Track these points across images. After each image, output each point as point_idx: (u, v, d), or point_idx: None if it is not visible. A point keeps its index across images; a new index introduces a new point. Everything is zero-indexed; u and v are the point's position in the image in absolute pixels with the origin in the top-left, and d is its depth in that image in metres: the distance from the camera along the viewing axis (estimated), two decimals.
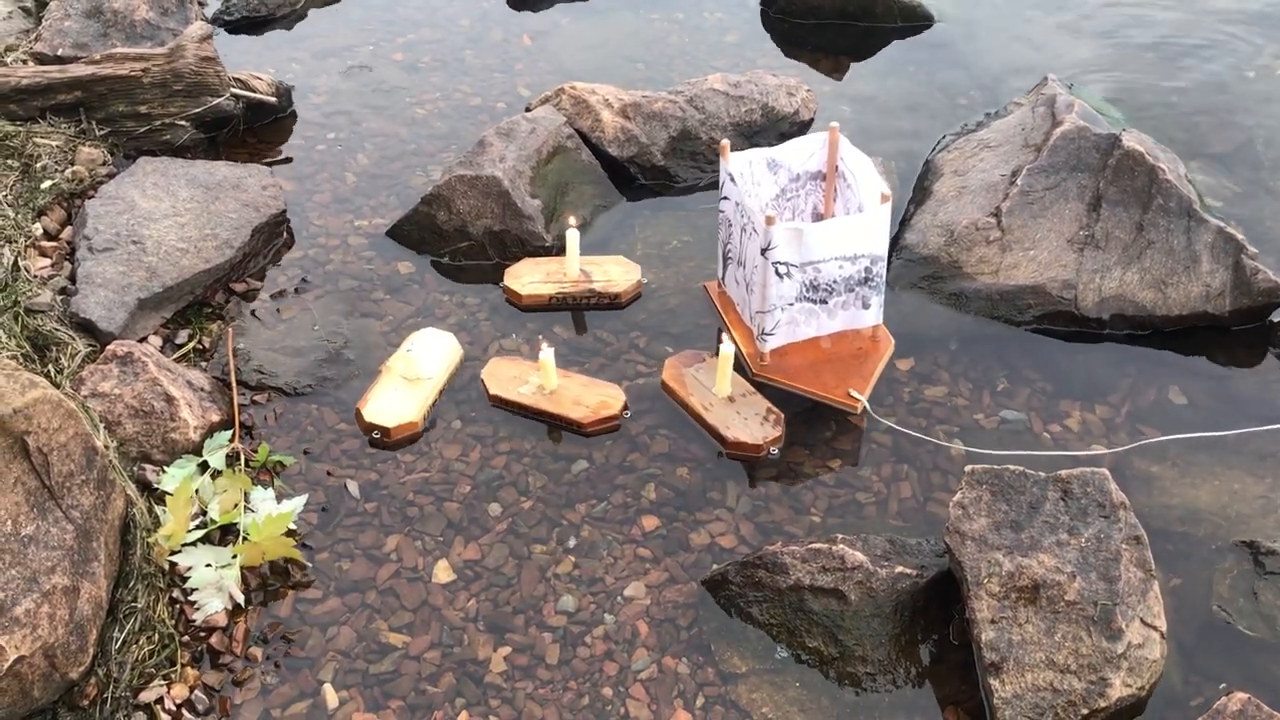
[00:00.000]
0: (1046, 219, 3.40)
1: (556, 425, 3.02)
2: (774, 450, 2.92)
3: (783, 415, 2.96)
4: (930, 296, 3.38)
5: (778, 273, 2.92)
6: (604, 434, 2.99)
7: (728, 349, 2.95)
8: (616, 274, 3.43)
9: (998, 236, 3.39)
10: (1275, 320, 3.29)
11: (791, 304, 3.00)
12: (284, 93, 4.18)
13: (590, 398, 3.05)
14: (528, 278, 3.40)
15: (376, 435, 2.96)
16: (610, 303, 3.36)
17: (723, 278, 3.33)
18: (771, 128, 3.99)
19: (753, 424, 2.95)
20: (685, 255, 3.59)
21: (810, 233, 2.90)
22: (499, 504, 2.83)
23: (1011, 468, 2.57)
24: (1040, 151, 3.51)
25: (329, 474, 2.90)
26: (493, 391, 3.09)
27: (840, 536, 2.62)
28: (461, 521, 2.79)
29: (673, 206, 3.81)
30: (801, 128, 4.05)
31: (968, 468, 2.59)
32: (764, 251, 2.90)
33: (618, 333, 3.31)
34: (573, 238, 3.34)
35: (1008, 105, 4.02)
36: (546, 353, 3.02)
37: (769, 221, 2.84)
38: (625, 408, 3.03)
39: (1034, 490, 2.54)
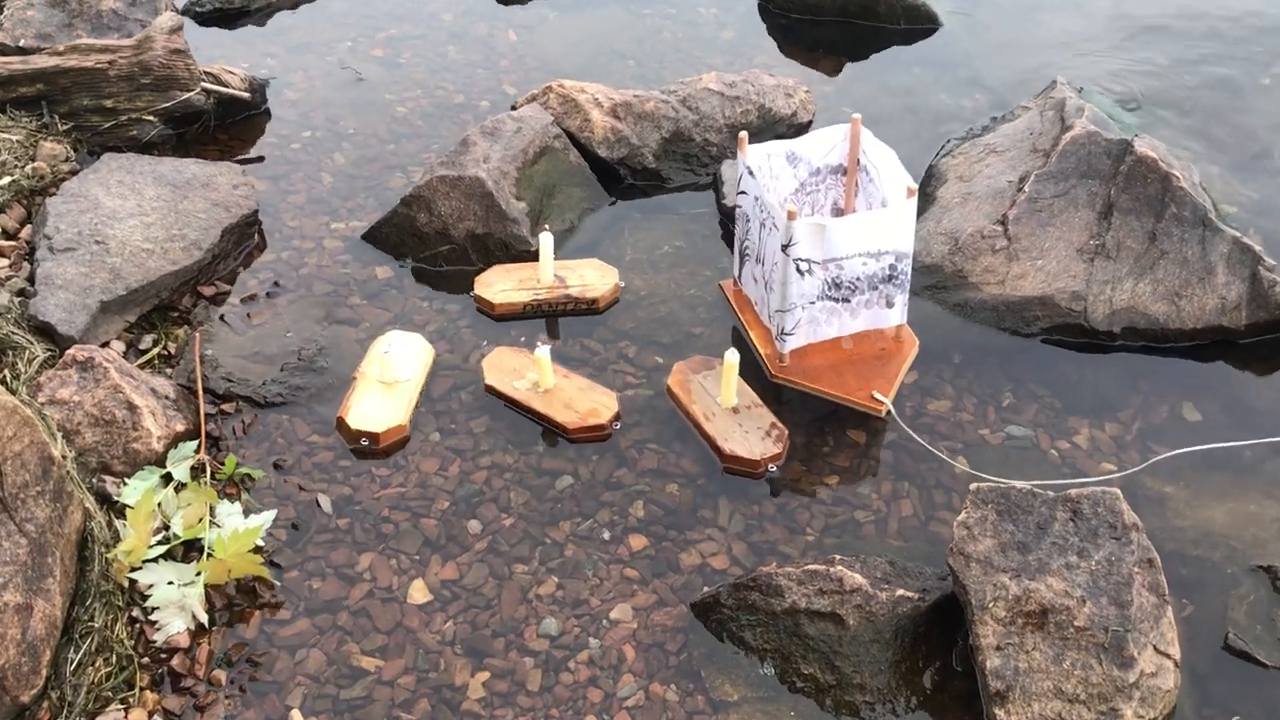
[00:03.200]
0: (1055, 227, 3.40)
1: (542, 426, 3.02)
2: (773, 468, 2.90)
3: (787, 432, 2.95)
4: (934, 307, 3.37)
5: (799, 270, 2.92)
6: (589, 444, 2.98)
7: (732, 357, 2.95)
8: (593, 278, 3.43)
9: (1004, 245, 3.39)
10: None
11: (813, 302, 3.00)
12: (258, 88, 4.16)
13: (582, 403, 3.04)
14: (499, 285, 3.40)
15: (365, 442, 2.95)
16: (588, 308, 3.35)
17: (739, 275, 3.33)
18: (768, 130, 3.99)
19: (753, 438, 2.94)
20: (677, 261, 3.58)
21: (833, 228, 2.90)
22: (479, 521, 2.82)
23: (1018, 486, 2.56)
24: (1049, 157, 3.51)
25: (300, 488, 2.88)
26: (488, 381, 3.09)
27: (838, 557, 2.61)
28: (439, 539, 2.77)
29: (664, 210, 3.80)
30: (799, 130, 4.04)
31: (972, 486, 2.58)
32: (785, 248, 2.90)
33: (605, 342, 3.30)
34: (545, 242, 3.34)
35: (1015, 109, 4.02)
36: (543, 350, 3.02)
37: (791, 216, 2.84)
38: (616, 418, 3.03)
39: (1042, 510, 2.53)
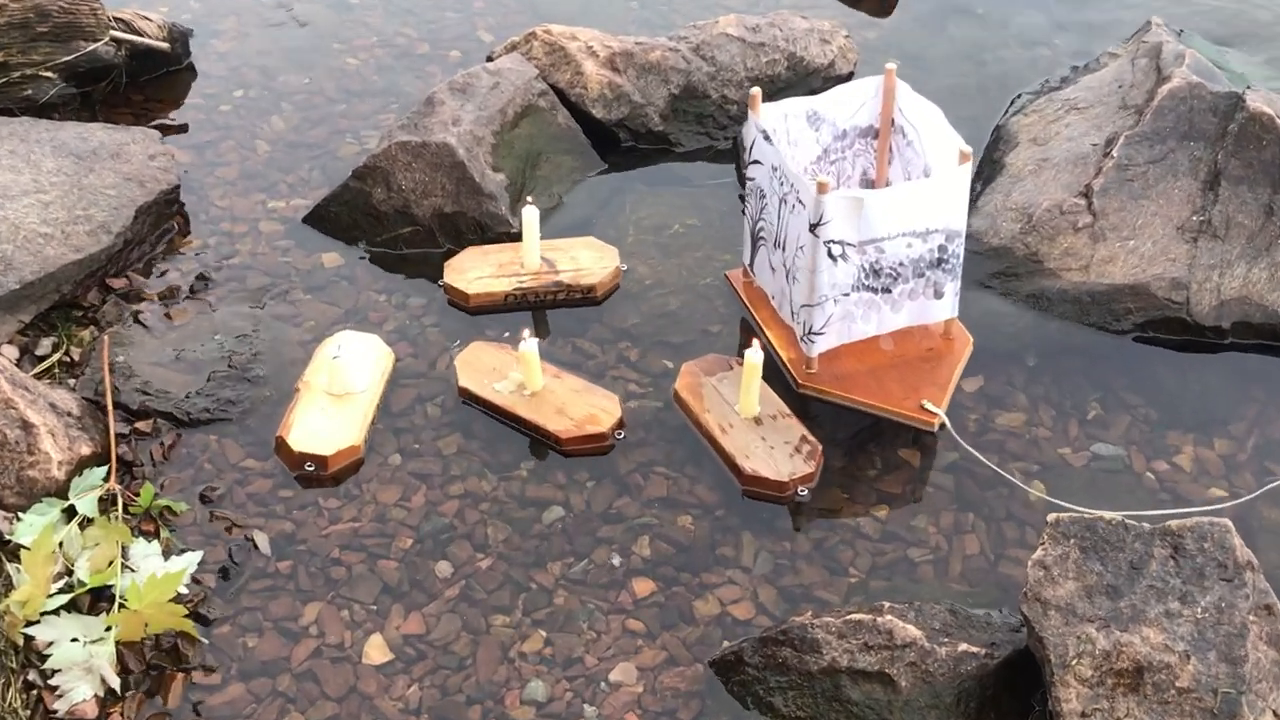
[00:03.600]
0: (1150, 200, 3.39)
1: (528, 438, 3.02)
2: (803, 491, 2.90)
3: (820, 448, 2.95)
4: (1003, 298, 3.37)
5: (830, 255, 2.92)
6: (584, 465, 2.98)
7: (755, 356, 2.94)
8: (589, 261, 3.42)
9: (1088, 222, 3.38)
10: None
11: (846, 294, 2.99)
12: (179, 38, 4.16)
13: (578, 408, 3.04)
14: (475, 272, 3.40)
15: (311, 468, 2.95)
16: (583, 298, 3.35)
17: (751, 264, 3.32)
18: (800, 83, 3.99)
19: (780, 455, 2.93)
20: (690, 243, 3.57)
21: (873, 203, 2.89)
22: (449, 563, 2.81)
23: (1107, 517, 2.55)
24: (1142, 115, 3.50)
25: (231, 524, 2.87)
26: (463, 384, 3.10)
27: (888, 605, 2.60)
28: (401, 585, 2.77)
29: (674, 182, 3.79)
30: (838, 84, 4.02)
31: (1051, 517, 2.57)
32: (814, 228, 2.89)
33: (603, 342, 3.30)
34: (530, 218, 3.34)
35: (1100, 57, 4.02)
36: (528, 344, 3.02)
37: (822, 189, 2.84)
38: (619, 426, 3.03)
39: (1136, 546, 2.52)
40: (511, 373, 3.11)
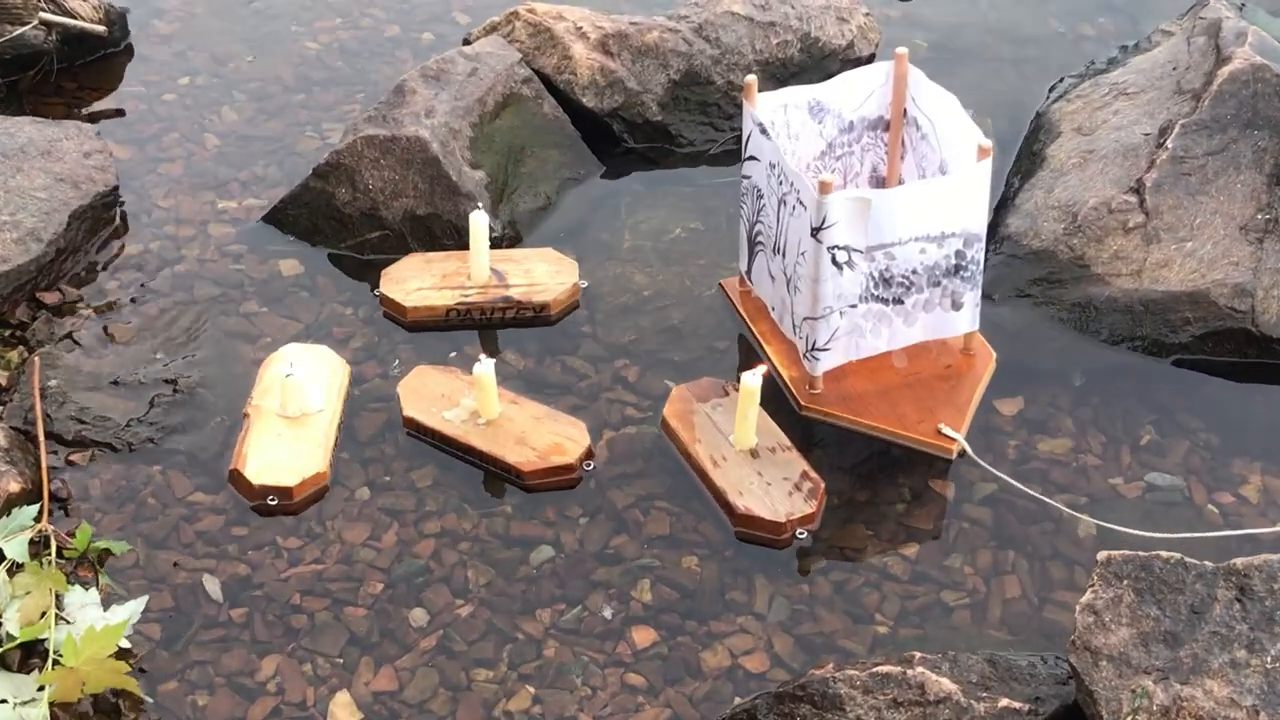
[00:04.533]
0: (1210, 196, 3.40)
1: (489, 472, 3.03)
2: (802, 533, 2.91)
3: (822, 485, 2.95)
4: (1044, 309, 3.38)
5: (835, 262, 2.92)
6: (569, 500, 2.99)
7: (752, 381, 2.95)
8: (544, 275, 3.43)
9: (1140, 222, 3.39)
10: None
11: (854, 306, 3.00)
12: (116, 19, 4.17)
13: (540, 436, 3.05)
14: (415, 283, 3.41)
15: (273, 501, 2.96)
16: (535, 316, 3.37)
17: (748, 271, 3.33)
18: (815, 67, 4.00)
19: (776, 492, 2.94)
20: (693, 249, 3.58)
21: (882, 204, 2.90)
22: (424, 610, 2.81)
23: (1164, 555, 2.56)
24: (1200, 101, 3.52)
25: (178, 567, 2.87)
26: (408, 413, 3.10)
27: (919, 655, 2.60)
28: (370, 635, 2.77)
29: (675, 180, 3.80)
30: (857, 67, 4.04)
31: (1101, 555, 2.57)
32: (816, 232, 2.90)
33: (596, 360, 3.30)
34: (478, 224, 3.33)
35: (1152, 35, 4.02)
36: (484, 366, 3.02)
37: (824, 189, 2.85)
38: (588, 457, 3.04)
39: (1197, 587, 2.52)
40: (463, 399, 3.11)
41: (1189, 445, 3.12)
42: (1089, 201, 3.45)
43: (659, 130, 3.89)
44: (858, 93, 3.24)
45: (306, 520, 2.96)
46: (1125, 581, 2.54)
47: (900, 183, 3.30)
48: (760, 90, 3.16)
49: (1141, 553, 2.57)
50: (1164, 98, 3.63)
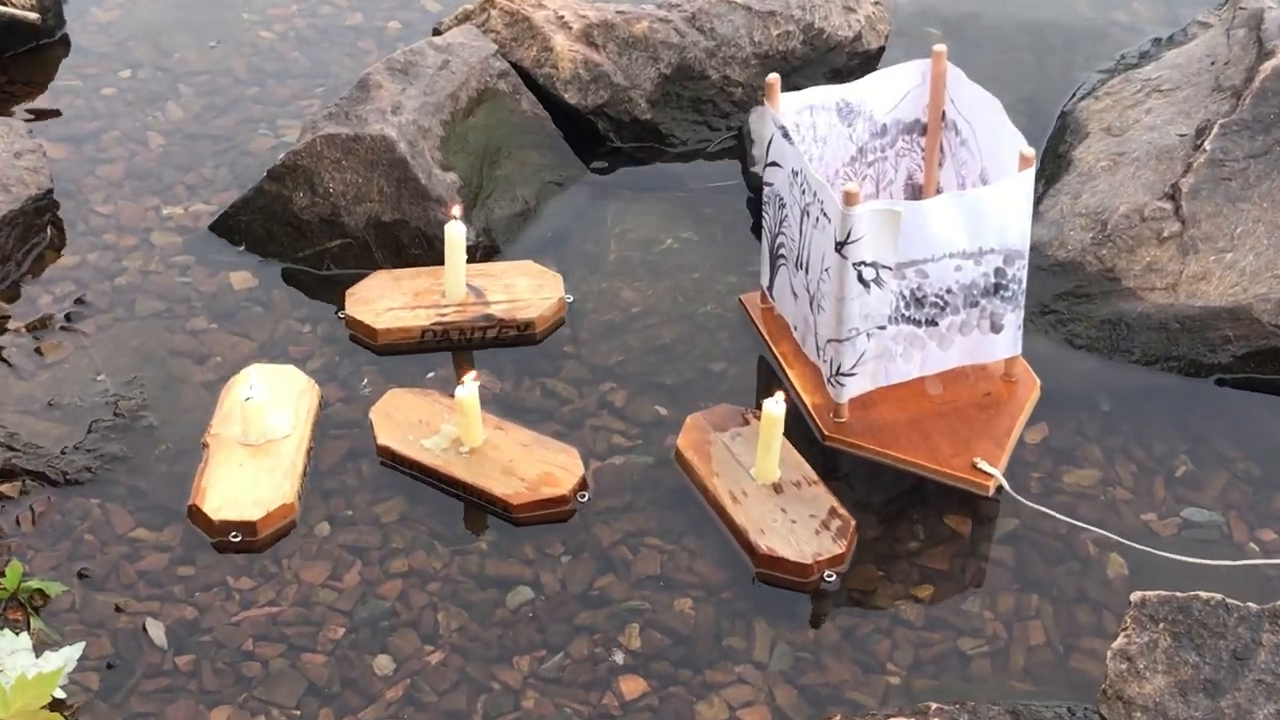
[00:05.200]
0: (1252, 204, 3.41)
1: (468, 504, 3.02)
2: (831, 576, 2.90)
3: (853, 523, 2.95)
4: (1071, 326, 3.38)
5: (862, 279, 2.92)
6: (553, 535, 2.97)
7: (776, 409, 2.94)
8: (526, 290, 3.43)
9: (1176, 231, 3.40)
10: None
11: (883, 327, 3.00)
12: (50, 6, 4.15)
13: (529, 465, 3.05)
14: (385, 302, 3.40)
15: (237, 537, 2.94)
16: (519, 335, 3.36)
17: (770, 287, 3.33)
18: (819, 61, 4.00)
19: (803, 531, 2.93)
20: (685, 261, 3.58)
21: (913, 216, 2.89)
22: (390, 657, 2.80)
23: (1204, 596, 2.56)
24: (1240, 99, 3.52)
25: (118, 609, 2.86)
26: (382, 442, 3.09)
27: (934, 706, 2.60)
28: (330, 685, 2.75)
29: (666, 185, 3.80)
30: (865, 62, 4.05)
31: (1134, 596, 2.57)
32: (840, 247, 2.90)
33: (579, 384, 3.30)
34: (455, 235, 3.32)
35: (1188, 27, 4.03)
36: (467, 390, 3.02)
37: (849, 200, 2.85)
38: (582, 487, 3.04)
39: (1240, 631, 2.52)
40: (444, 425, 3.10)
41: (1229, 477, 3.12)
42: (1119, 209, 3.45)
43: (648, 129, 3.89)
44: (891, 93, 3.24)
45: (260, 559, 2.94)
46: (1161, 625, 2.54)
47: (938, 192, 3.30)
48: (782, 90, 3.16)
49: (1179, 594, 2.57)
50: (1201, 95, 3.63)
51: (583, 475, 3.05)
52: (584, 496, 3.04)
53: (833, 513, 2.97)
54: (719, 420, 3.15)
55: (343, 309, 3.41)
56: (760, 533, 2.93)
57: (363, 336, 3.38)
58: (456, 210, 3.36)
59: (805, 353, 3.22)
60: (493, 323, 3.36)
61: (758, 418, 3.03)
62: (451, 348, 3.37)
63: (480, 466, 3.04)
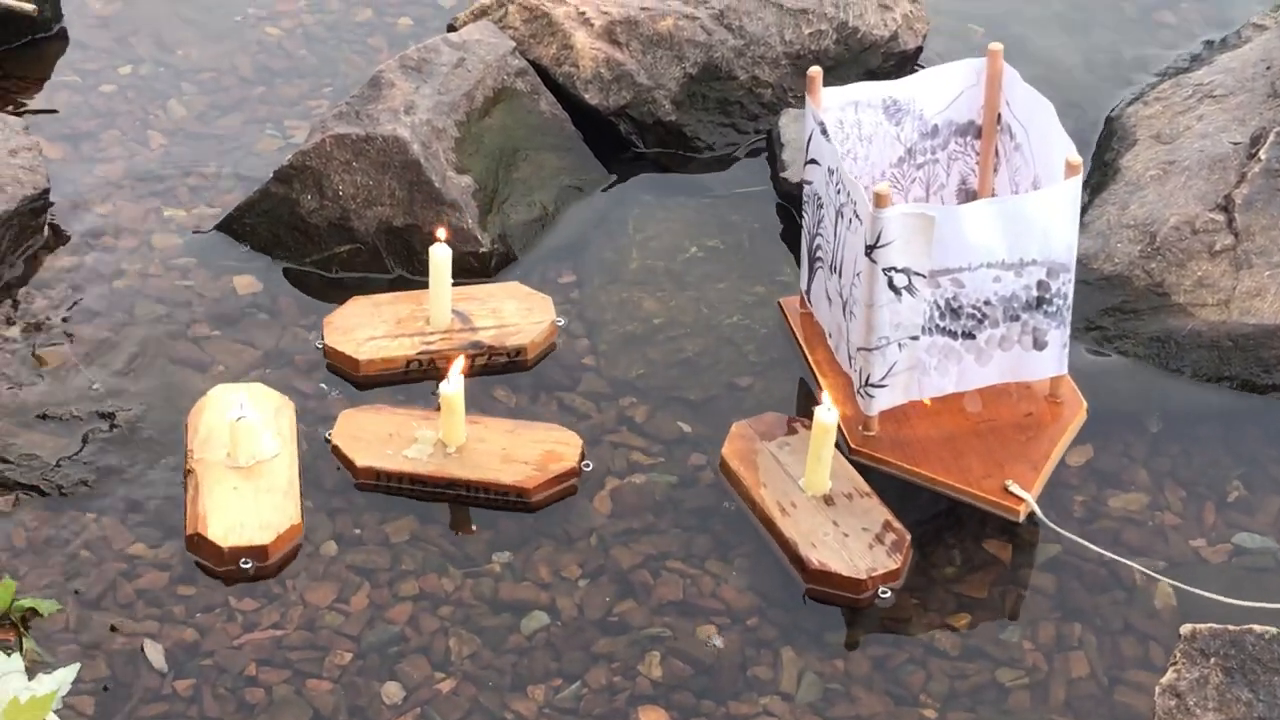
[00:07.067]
0: None
1: (481, 508, 3.04)
2: (885, 592, 2.90)
3: (909, 537, 2.95)
4: (1117, 343, 3.38)
5: (893, 286, 2.92)
6: (578, 550, 2.99)
7: (828, 417, 2.94)
8: (514, 314, 3.42)
9: (1229, 244, 3.39)
10: None
11: (915, 337, 2.99)
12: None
13: (527, 449, 3.07)
14: (365, 331, 3.37)
15: (247, 564, 2.94)
16: (509, 362, 3.35)
17: (808, 290, 3.33)
18: (853, 61, 4.00)
19: (856, 545, 2.93)
20: (711, 271, 3.58)
21: (948, 222, 2.89)
22: (399, 684, 2.79)
23: (1258, 630, 2.55)
24: None
25: (114, 630, 2.86)
26: (362, 463, 3.09)
27: None
28: (336, 713, 2.75)
29: (691, 190, 3.80)
30: (901, 63, 4.06)
31: (1185, 628, 2.57)
32: (870, 250, 2.89)
33: (597, 398, 3.30)
34: (440, 258, 3.29)
35: (1242, 29, 4.03)
36: (452, 386, 3.02)
37: (880, 202, 2.84)
38: (583, 457, 3.11)
39: None
40: (418, 432, 3.10)
41: None
42: (1169, 220, 3.45)
43: (672, 132, 3.89)
44: (944, 92, 3.23)
45: (264, 579, 2.94)
46: (1213, 659, 2.53)
47: (993, 196, 3.28)
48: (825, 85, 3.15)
49: (1232, 627, 2.56)
50: (1256, 101, 3.63)
51: (581, 445, 3.10)
52: (588, 465, 3.10)
53: (887, 526, 2.97)
54: (766, 429, 3.15)
55: (321, 337, 3.38)
56: (811, 546, 2.93)
57: (342, 367, 3.33)
58: (442, 233, 3.33)
59: (838, 361, 3.21)
60: (481, 349, 3.34)
61: (806, 426, 3.03)
62: (438, 378, 3.28)
63: (477, 461, 3.06)
